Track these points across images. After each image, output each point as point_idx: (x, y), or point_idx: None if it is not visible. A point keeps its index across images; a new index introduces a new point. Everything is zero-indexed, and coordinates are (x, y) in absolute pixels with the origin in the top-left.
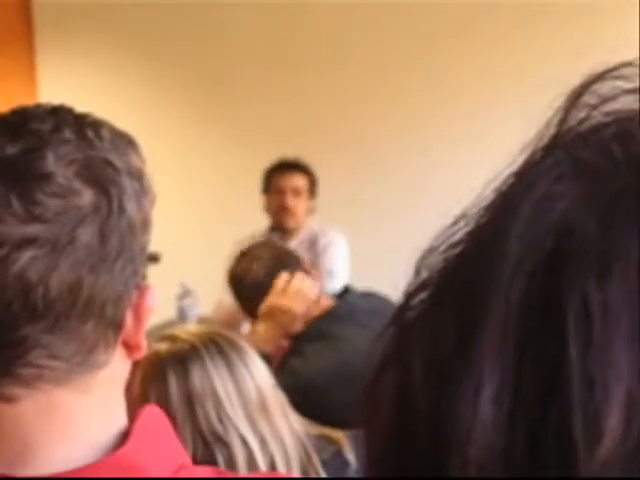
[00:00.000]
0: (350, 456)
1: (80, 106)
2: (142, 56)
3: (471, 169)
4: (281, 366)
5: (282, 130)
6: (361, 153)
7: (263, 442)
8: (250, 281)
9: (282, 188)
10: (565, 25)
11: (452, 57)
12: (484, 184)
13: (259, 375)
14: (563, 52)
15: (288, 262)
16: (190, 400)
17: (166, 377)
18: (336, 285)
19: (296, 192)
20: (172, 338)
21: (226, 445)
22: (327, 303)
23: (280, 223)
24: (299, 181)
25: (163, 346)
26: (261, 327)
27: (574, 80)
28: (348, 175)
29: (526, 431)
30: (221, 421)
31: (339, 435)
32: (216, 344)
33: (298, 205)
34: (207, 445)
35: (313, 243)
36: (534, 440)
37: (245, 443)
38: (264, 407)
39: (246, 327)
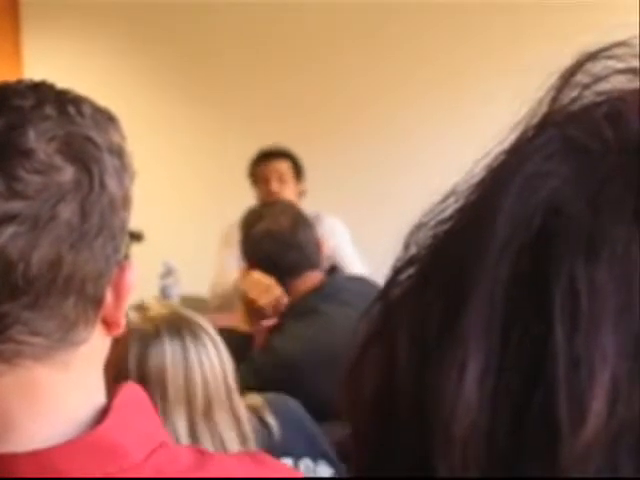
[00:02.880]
0: (270, 419)
1: (66, 84)
2: (130, 36)
3: (456, 154)
4: (265, 343)
5: (269, 113)
6: (348, 138)
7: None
8: (275, 234)
9: (266, 176)
10: (551, 10)
11: (439, 42)
12: (475, 161)
13: (211, 372)
14: (549, 37)
15: (309, 222)
16: (144, 380)
17: (128, 352)
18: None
19: (281, 178)
20: (142, 311)
21: None
22: (315, 280)
23: None
24: (282, 167)
25: (135, 318)
26: (240, 310)
27: (559, 64)
28: (335, 159)
29: (510, 411)
30: (164, 412)
31: (257, 400)
32: (179, 333)
33: (284, 190)
34: None
35: None
36: (518, 420)
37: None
38: (207, 411)
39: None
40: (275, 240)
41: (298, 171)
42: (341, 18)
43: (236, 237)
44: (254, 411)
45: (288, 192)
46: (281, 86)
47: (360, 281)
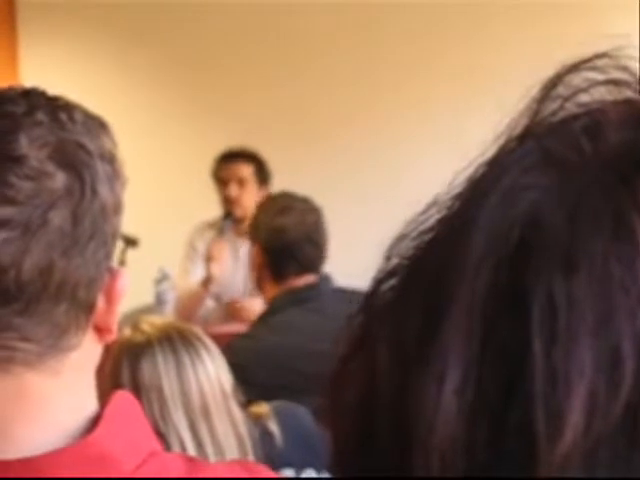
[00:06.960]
0: (273, 427)
1: (62, 90)
2: (127, 41)
3: (442, 168)
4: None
5: (265, 119)
6: (330, 147)
7: (200, 445)
8: (303, 227)
9: (225, 178)
10: (536, 22)
11: (428, 54)
12: (457, 172)
13: (205, 377)
14: (534, 50)
15: (326, 228)
16: (138, 391)
17: (120, 365)
18: None
19: (240, 182)
20: (135, 327)
21: (165, 442)
22: (308, 282)
23: (229, 213)
24: (243, 170)
25: (128, 333)
26: None
27: (544, 76)
28: (315, 167)
29: (488, 423)
30: (163, 418)
31: (263, 409)
32: (170, 341)
33: (243, 194)
34: None
35: None
36: (496, 433)
37: (182, 445)
38: (205, 412)
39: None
40: (301, 233)
41: (263, 176)
42: (332, 22)
43: (202, 244)
44: (258, 420)
45: (248, 197)
46: (274, 92)
47: (346, 294)
